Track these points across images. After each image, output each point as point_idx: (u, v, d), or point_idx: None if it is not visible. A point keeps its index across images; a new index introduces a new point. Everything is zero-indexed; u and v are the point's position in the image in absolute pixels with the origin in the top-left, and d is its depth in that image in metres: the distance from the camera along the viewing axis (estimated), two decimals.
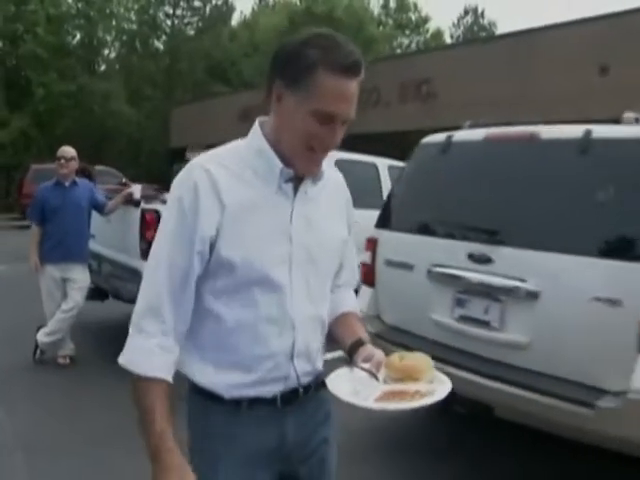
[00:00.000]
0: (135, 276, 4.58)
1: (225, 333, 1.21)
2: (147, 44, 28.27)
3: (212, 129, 19.35)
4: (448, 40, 37.86)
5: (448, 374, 1.25)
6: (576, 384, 2.44)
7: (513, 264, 2.66)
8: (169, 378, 1.18)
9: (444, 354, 2.69)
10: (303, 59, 1.12)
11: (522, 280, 2.60)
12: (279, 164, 1.20)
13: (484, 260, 2.75)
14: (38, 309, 4.68)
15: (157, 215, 4.57)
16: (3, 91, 20.94)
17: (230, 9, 32.15)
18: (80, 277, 4.68)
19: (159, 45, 29.13)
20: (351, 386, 1.19)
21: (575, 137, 2.63)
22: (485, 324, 2.76)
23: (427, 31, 36.92)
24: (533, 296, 2.57)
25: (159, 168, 22.49)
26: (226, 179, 1.17)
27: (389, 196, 3.59)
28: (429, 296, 3.02)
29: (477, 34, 38.60)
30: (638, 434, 2.28)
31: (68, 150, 4.75)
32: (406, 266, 3.15)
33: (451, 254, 2.91)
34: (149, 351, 1.17)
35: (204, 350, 1.24)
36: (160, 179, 16.31)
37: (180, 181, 1.20)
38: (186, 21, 29.32)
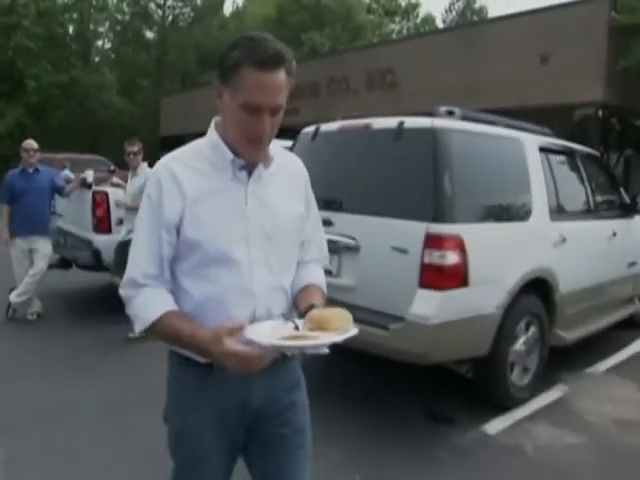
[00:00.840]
0: (88, 245, 5.49)
1: (195, 306, 1.36)
2: (139, 35, 28.96)
3: (198, 117, 19.98)
4: (440, 25, 38.30)
5: None
6: (382, 314, 3.26)
7: (345, 226, 3.47)
8: (173, 307, 1.34)
9: None
10: (230, 59, 1.27)
11: (350, 237, 3.42)
12: (230, 155, 1.35)
13: (327, 223, 3.55)
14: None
15: (106, 196, 5.43)
16: None
17: None
18: (43, 247, 5.53)
19: (151, 35, 29.80)
20: (269, 333, 1.25)
21: (392, 127, 3.42)
22: (329, 273, 3.57)
23: (417, 16, 37.27)
24: (356, 249, 3.39)
25: (151, 155, 23.30)
26: (185, 174, 1.34)
27: None
28: None
29: (469, 19, 38.93)
30: (415, 347, 3.11)
31: (33, 143, 5.64)
32: None
33: None
34: (142, 303, 1.34)
35: None
36: (151, 166, 17.08)
37: (150, 179, 1.38)
38: (177, 12, 29.95)
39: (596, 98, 9.38)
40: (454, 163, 3.21)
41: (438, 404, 3.77)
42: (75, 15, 25.19)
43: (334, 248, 3.54)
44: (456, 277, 3.11)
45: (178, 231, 1.34)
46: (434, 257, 3.05)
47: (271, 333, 1.25)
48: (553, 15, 9.85)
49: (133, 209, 4.89)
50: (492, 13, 40.99)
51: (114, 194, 5.34)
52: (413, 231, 3.12)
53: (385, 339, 3.16)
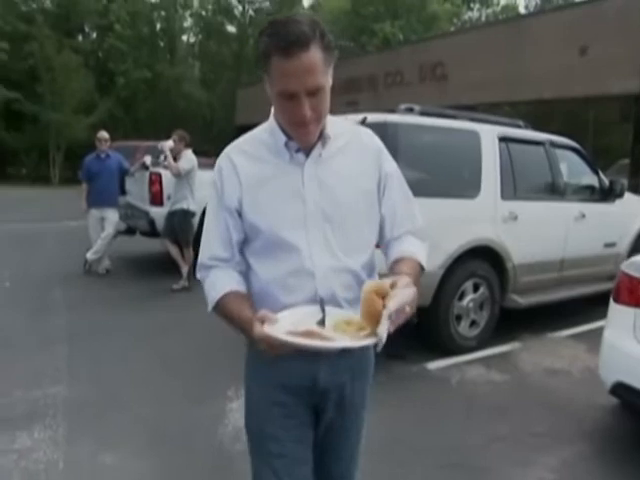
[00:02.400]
0: (146, 216, 6.87)
1: (261, 287, 1.38)
2: (221, 30, 30.84)
3: (270, 108, 21.24)
4: (522, 11, 37.15)
5: None
6: None
7: None
8: (235, 288, 1.37)
9: None
10: (261, 49, 1.26)
11: None
12: (283, 138, 1.35)
13: None
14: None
15: (159, 176, 6.71)
16: (94, 77, 24.38)
17: None
18: (112, 216, 7.01)
19: (232, 29, 31.59)
20: (291, 322, 1.23)
21: (358, 121, 4.28)
22: None
23: (498, 3, 36.36)
24: None
25: (227, 144, 25.03)
26: (241, 160, 1.37)
27: None
28: None
29: (554, 3, 37.40)
30: None
31: (105, 134, 7.14)
32: None
33: None
34: (211, 284, 1.39)
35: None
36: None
37: (215, 167, 1.43)
38: (256, 6, 31.49)
39: (632, 89, 9.50)
40: (400, 150, 4.02)
41: (400, 345, 4.55)
42: (163, 13, 27.44)
43: None
44: None
45: (241, 215, 1.37)
46: None
47: (293, 323, 1.23)
48: (592, 8, 10.01)
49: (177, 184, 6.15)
50: None
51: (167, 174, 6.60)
52: None
53: None
